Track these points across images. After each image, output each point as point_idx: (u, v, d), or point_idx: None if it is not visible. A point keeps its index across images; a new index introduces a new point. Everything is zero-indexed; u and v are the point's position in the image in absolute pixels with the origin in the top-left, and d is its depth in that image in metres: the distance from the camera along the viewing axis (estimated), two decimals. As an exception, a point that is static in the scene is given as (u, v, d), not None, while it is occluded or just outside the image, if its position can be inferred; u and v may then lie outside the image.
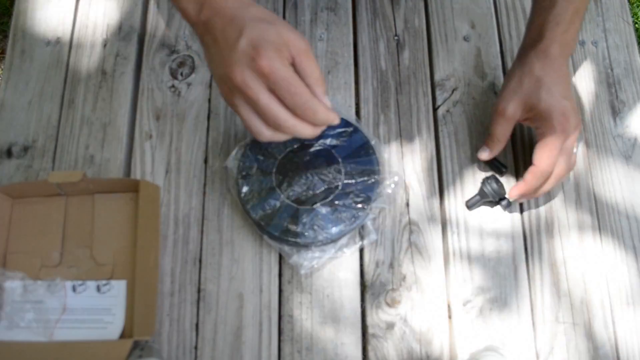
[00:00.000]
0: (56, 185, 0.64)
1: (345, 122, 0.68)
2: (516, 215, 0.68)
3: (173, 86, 0.74)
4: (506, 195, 0.65)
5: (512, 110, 0.62)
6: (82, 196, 0.67)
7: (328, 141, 0.67)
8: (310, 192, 0.65)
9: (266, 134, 0.52)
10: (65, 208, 0.66)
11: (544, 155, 0.60)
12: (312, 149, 0.67)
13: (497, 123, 0.64)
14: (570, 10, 0.62)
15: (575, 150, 0.63)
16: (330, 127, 0.67)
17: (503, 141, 0.65)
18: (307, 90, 0.50)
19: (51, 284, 0.62)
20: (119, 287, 0.63)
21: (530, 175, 0.61)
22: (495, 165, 0.69)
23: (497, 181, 0.66)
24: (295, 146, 0.67)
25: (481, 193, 0.66)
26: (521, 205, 0.69)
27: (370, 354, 0.62)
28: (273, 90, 0.49)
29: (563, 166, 0.61)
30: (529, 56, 0.62)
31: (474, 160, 0.70)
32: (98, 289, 0.63)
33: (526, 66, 0.62)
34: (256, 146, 0.67)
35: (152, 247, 0.62)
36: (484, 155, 0.66)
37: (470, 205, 0.67)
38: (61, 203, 0.67)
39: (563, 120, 0.59)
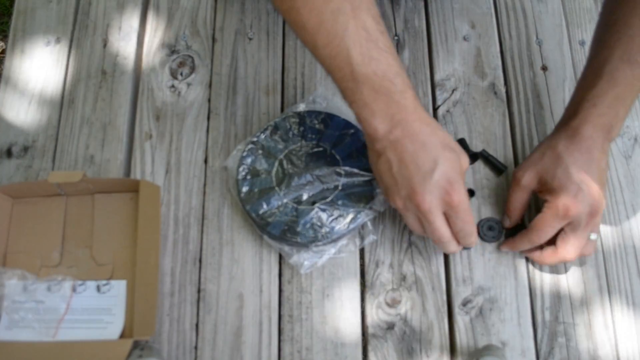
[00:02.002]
0: (56, 185, 0.64)
1: (345, 123, 0.68)
2: (516, 215, 0.68)
3: (173, 86, 0.74)
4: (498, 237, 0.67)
5: (527, 180, 0.61)
6: (82, 196, 0.67)
7: (328, 142, 0.67)
8: (310, 192, 0.65)
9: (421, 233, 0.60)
10: (65, 208, 0.67)
11: (537, 229, 0.60)
12: (312, 150, 0.67)
13: (513, 190, 0.63)
14: (610, 94, 0.58)
15: (593, 237, 0.61)
16: (331, 128, 0.67)
17: (520, 209, 0.64)
18: (472, 219, 0.56)
19: (51, 284, 0.62)
20: (119, 287, 0.63)
21: (519, 236, 0.63)
22: (495, 165, 0.69)
23: (492, 227, 0.66)
24: (295, 146, 0.67)
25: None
26: (521, 205, 0.69)
27: (370, 354, 0.62)
28: (448, 215, 0.56)
29: (570, 249, 0.59)
30: (558, 132, 0.61)
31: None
32: (98, 289, 0.63)
33: (552, 141, 0.61)
34: (256, 146, 0.67)
35: (152, 247, 0.62)
36: (506, 223, 0.66)
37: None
38: (61, 203, 0.67)
39: (570, 203, 0.57)
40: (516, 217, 0.65)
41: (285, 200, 0.64)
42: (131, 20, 0.78)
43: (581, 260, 0.66)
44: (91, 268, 0.64)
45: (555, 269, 0.65)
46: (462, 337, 0.63)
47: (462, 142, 0.70)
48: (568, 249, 0.59)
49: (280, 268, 0.66)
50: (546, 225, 0.59)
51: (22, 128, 0.73)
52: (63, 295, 0.62)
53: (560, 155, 0.59)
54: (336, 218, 0.63)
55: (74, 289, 0.62)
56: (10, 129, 0.73)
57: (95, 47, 0.77)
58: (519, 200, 0.63)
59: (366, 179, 0.65)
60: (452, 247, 0.58)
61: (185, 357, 0.62)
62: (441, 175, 0.53)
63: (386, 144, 0.54)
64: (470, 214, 0.56)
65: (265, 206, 0.64)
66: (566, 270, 0.66)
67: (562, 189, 0.58)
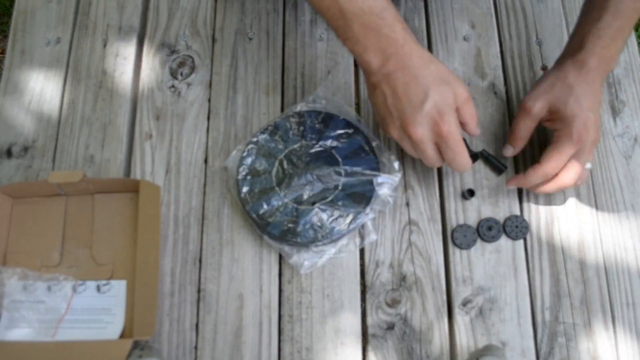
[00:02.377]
0: (56, 185, 0.64)
1: (345, 123, 0.68)
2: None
3: (173, 86, 0.74)
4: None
5: (538, 108, 0.62)
6: (82, 196, 0.67)
7: (328, 142, 0.67)
8: (310, 192, 0.65)
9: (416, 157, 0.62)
10: (65, 208, 0.67)
11: (552, 158, 0.61)
12: (312, 150, 0.67)
13: (522, 119, 0.64)
14: (614, 26, 0.62)
15: (588, 166, 0.63)
16: (331, 128, 0.67)
17: (525, 138, 0.66)
18: (465, 150, 0.59)
19: (51, 284, 0.62)
20: (119, 287, 0.63)
21: (532, 172, 0.62)
22: (495, 165, 0.69)
23: (491, 227, 0.66)
24: (295, 146, 0.67)
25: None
26: (521, 205, 0.69)
27: (370, 354, 0.62)
28: (439, 144, 0.58)
29: (570, 175, 0.61)
30: (565, 64, 0.63)
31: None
32: (98, 289, 0.63)
33: (561, 72, 0.63)
34: (256, 147, 0.67)
35: (152, 247, 0.62)
36: (509, 152, 0.67)
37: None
38: (61, 203, 0.67)
39: (583, 130, 0.60)
40: (521, 146, 0.66)
41: (285, 201, 0.64)
42: (131, 20, 0.78)
43: (581, 260, 0.66)
44: (91, 268, 0.64)
45: (555, 267, 0.66)
46: (462, 337, 0.63)
47: (474, 156, 0.70)
48: (570, 174, 0.61)
49: (280, 268, 0.66)
50: (562, 153, 0.61)
51: (22, 128, 0.73)
52: (63, 295, 0.62)
53: (572, 86, 0.61)
54: (336, 218, 0.63)
55: (74, 289, 0.63)
56: (10, 129, 0.73)
57: (95, 47, 0.77)
58: (526, 128, 0.65)
59: (366, 178, 0.65)
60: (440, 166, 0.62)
61: (185, 357, 0.62)
62: (431, 106, 0.56)
63: (380, 77, 0.57)
64: (461, 144, 0.58)
65: (265, 206, 0.64)
66: (566, 270, 0.66)
67: (575, 117, 0.60)
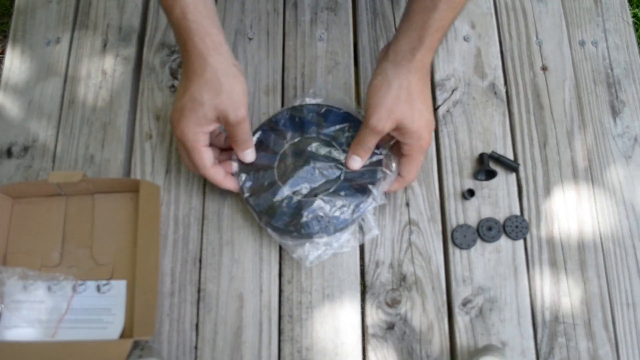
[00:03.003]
0: (56, 185, 0.64)
1: (345, 115, 0.68)
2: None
3: (173, 86, 0.74)
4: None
5: (387, 127, 0.61)
6: (82, 196, 0.67)
7: (329, 135, 0.67)
8: (313, 184, 0.65)
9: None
10: (65, 208, 0.67)
11: (412, 170, 0.64)
12: (314, 143, 0.67)
13: (370, 137, 0.62)
14: (449, 18, 0.59)
15: None
16: (331, 120, 0.67)
17: (371, 150, 0.64)
18: (204, 164, 0.61)
19: (51, 284, 0.62)
20: (119, 287, 0.63)
21: (397, 184, 0.65)
22: (508, 164, 0.69)
23: (491, 227, 0.67)
24: (296, 140, 0.67)
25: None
26: (521, 205, 0.69)
27: (370, 354, 0.62)
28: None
29: (416, 175, 0.66)
30: (406, 66, 0.60)
31: (474, 160, 0.70)
32: (98, 289, 0.63)
33: (404, 80, 0.60)
34: (257, 142, 0.67)
35: (152, 247, 0.62)
36: (357, 164, 0.65)
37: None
38: (61, 203, 0.67)
39: (427, 137, 0.62)
40: (367, 157, 0.65)
41: (287, 194, 0.64)
42: (131, 20, 0.78)
43: (581, 260, 0.66)
44: (91, 268, 0.64)
45: (554, 267, 0.66)
46: (462, 337, 0.63)
47: (481, 157, 0.70)
48: (416, 174, 0.66)
49: (280, 268, 0.66)
50: (417, 163, 0.65)
51: (22, 128, 0.73)
52: (63, 295, 0.62)
53: (415, 97, 0.61)
54: (339, 208, 0.63)
55: (74, 289, 0.62)
56: (10, 129, 0.73)
57: (95, 47, 0.77)
58: (374, 143, 0.64)
59: (367, 169, 0.65)
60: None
61: (185, 357, 0.62)
62: (184, 103, 0.60)
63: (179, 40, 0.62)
64: (195, 156, 0.61)
65: (268, 200, 0.64)
66: (566, 270, 0.66)
67: (421, 130, 0.62)
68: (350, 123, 0.68)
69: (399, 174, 0.65)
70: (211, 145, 0.63)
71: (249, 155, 0.65)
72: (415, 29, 0.60)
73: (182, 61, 0.62)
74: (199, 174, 0.63)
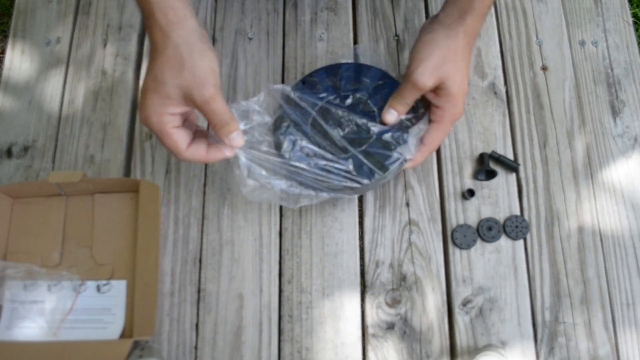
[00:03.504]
0: (56, 185, 0.64)
1: (382, 74, 0.68)
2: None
3: (173, 86, 0.74)
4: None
5: (429, 85, 0.60)
6: (82, 196, 0.67)
7: (365, 92, 0.67)
8: (346, 139, 0.64)
9: None
10: (65, 208, 0.67)
11: (437, 138, 0.63)
12: (348, 100, 0.66)
13: (411, 92, 0.61)
14: None
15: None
16: (368, 78, 0.67)
17: (410, 106, 0.63)
18: (177, 147, 0.56)
19: (51, 284, 0.62)
20: (119, 287, 0.63)
21: (420, 155, 0.63)
22: (508, 164, 0.69)
23: (491, 227, 0.67)
24: (332, 97, 0.67)
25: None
26: (521, 205, 0.69)
27: (370, 354, 0.62)
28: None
29: (440, 143, 0.65)
30: (456, 29, 0.60)
31: (474, 160, 0.70)
32: (98, 289, 0.63)
33: (453, 42, 0.60)
34: (290, 100, 0.65)
35: (152, 247, 0.62)
36: (392, 117, 0.63)
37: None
38: (61, 203, 0.67)
39: (462, 107, 0.62)
40: (404, 113, 0.64)
41: (319, 151, 0.63)
42: (131, 20, 0.78)
43: (581, 260, 0.66)
44: (91, 268, 0.64)
45: (555, 267, 0.66)
46: (462, 337, 0.63)
47: (481, 157, 0.70)
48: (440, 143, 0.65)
49: (280, 268, 0.66)
50: (445, 132, 0.64)
51: (22, 128, 0.73)
52: (63, 295, 0.62)
53: (461, 61, 0.61)
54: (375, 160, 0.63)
55: (74, 289, 0.62)
56: (10, 129, 0.73)
57: (95, 47, 0.77)
58: (414, 99, 0.62)
59: (396, 131, 0.64)
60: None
61: (185, 357, 0.62)
62: (147, 85, 0.55)
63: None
64: (166, 139, 0.55)
65: (301, 156, 0.62)
66: (566, 270, 0.66)
67: (459, 97, 0.61)
68: (387, 81, 0.67)
69: (421, 143, 0.63)
70: (186, 122, 0.59)
71: (236, 139, 0.57)
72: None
73: (149, 39, 0.57)
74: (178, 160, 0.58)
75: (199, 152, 0.57)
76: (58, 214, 0.66)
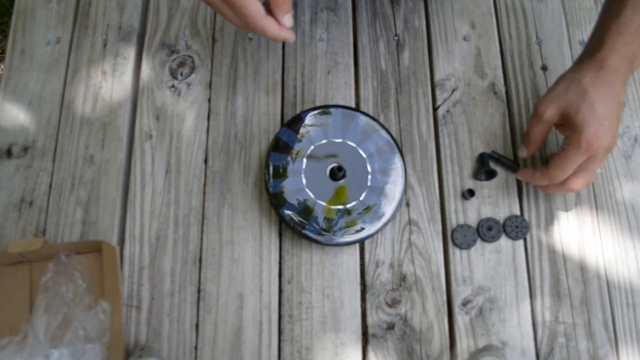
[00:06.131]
0: (18, 254, 0.62)
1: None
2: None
3: (173, 86, 0.74)
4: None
5: (549, 114, 0.61)
6: (45, 261, 0.64)
7: (354, 139, 0.67)
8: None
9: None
10: (30, 275, 0.64)
11: (559, 166, 0.60)
12: (336, 147, 0.67)
13: (534, 123, 0.63)
14: (635, 21, 0.57)
15: (599, 170, 0.62)
16: (356, 125, 0.68)
17: (539, 141, 0.64)
18: (257, 13, 0.55)
19: (22, 357, 0.58)
20: (94, 352, 0.59)
21: (539, 174, 0.62)
22: (507, 165, 0.69)
23: (491, 227, 0.67)
24: (319, 143, 0.67)
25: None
26: (521, 205, 0.69)
27: (370, 354, 0.62)
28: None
29: (579, 182, 0.60)
30: (583, 64, 0.60)
31: (474, 160, 0.70)
32: (73, 355, 0.59)
33: (577, 74, 0.60)
34: (279, 144, 0.67)
35: (115, 311, 0.60)
36: (523, 153, 0.66)
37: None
38: (25, 271, 0.64)
39: (594, 139, 0.57)
40: (534, 149, 0.65)
41: (315, 199, 0.65)
42: (131, 20, 0.78)
43: (581, 260, 0.66)
44: (63, 334, 0.60)
45: (555, 267, 0.66)
46: (462, 337, 0.63)
47: (481, 157, 0.70)
48: (579, 182, 0.60)
49: (280, 268, 0.66)
50: (569, 161, 0.59)
51: (22, 128, 0.73)
52: None
53: (587, 90, 0.58)
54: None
55: (47, 358, 0.59)
56: (10, 129, 0.73)
57: (95, 47, 0.77)
58: (538, 132, 0.63)
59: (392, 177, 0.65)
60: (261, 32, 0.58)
61: (185, 357, 0.62)
62: None
63: None
64: (248, 6, 0.55)
65: (295, 204, 0.65)
66: (566, 270, 0.66)
67: (586, 126, 0.57)
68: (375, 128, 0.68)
69: (546, 166, 0.62)
70: None
71: (288, 20, 0.58)
72: (597, 33, 0.61)
73: None
74: (251, 30, 0.58)
75: (272, 25, 0.57)
76: (23, 282, 0.64)
